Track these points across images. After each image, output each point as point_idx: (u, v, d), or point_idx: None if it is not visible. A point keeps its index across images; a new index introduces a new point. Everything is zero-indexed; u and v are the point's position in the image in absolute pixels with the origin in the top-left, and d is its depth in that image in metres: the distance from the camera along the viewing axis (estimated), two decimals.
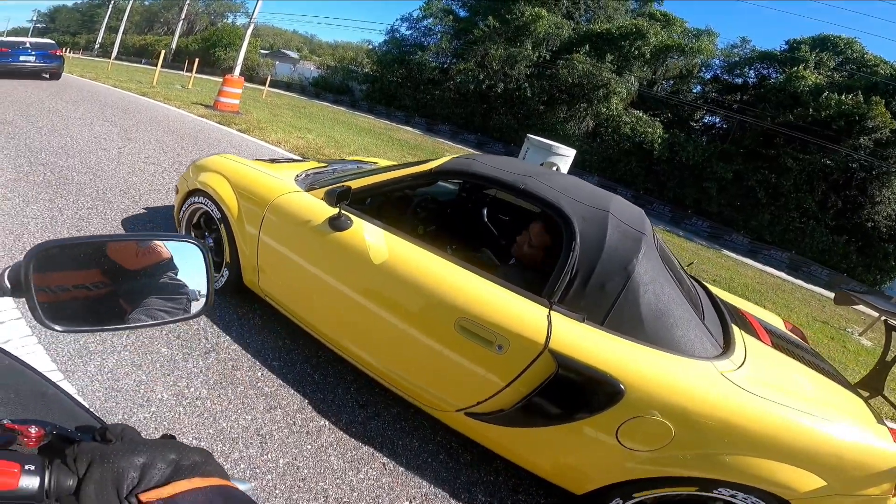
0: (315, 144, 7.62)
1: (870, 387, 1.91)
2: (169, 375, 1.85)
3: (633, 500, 1.51)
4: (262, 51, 31.54)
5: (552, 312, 1.50)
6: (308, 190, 2.09)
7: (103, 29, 34.17)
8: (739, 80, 18.90)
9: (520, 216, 2.65)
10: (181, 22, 29.56)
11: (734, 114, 16.55)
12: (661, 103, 18.03)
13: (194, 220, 2.51)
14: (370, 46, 24.41)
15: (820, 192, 14.51)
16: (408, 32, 22.09)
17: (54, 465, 0.38)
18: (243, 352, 2.07)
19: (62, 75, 11.82)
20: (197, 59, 14.26)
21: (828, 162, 14.14)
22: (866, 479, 1.32)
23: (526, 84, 17.55)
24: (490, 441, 1.69)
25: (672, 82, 18.55)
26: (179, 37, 29.13)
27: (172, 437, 0.46)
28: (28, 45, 11.18)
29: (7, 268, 0.51)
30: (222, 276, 2.33)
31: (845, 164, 14.02)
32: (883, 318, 1.88)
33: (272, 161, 2.76)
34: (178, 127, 6.89)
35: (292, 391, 1.92)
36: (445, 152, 13.33)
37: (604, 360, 1.40)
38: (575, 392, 1.44)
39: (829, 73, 16.09)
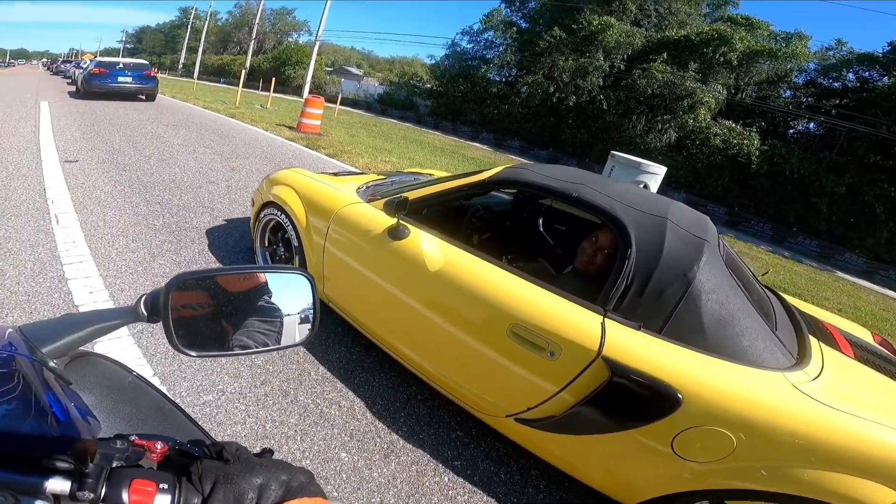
0: (399, 167, 7.38)
1: None
2: (359, 489, 1.63)
3: None
4: (327, 68, 32.69)
5: (606, 320, 1.48)
6: (369, 201, 2.18)
7: (184, 49, 36.86)
8: (837, 85, 17.03)
9: (576, 225, 2.66)
10: (252, 41, 31.20)
11: (842, 121, 14.75)
12: (752, 112, 16.53)
13: (268, 230, 2.64)
14: (431, 61, 24.42)
15: None
16: (469, 46, 21.82)
17: (182, 484, 0.40)
18: (421, 452, 1.82)
19: (157, 96, 12.30)
20: (273, 79, 14.73)
21: None
22: None
23: (601, 96, 16.65)
24: (539, 448, 1.69)
25: (757, 88, 16.99)
26: (251, 56, 30.75)
27: (271, 452, 0.48)
28: (122, 65, 11.48)
29: (143, 295, 0.54)
30: None
31: None
32: None
33: (336, 174, 2.89)
34: (271, 153, 6.84)
35: (484, 497, 1.71)
36: None
37: (660, 367, 1.35)
38: (629, 400, 1.40)
39: None
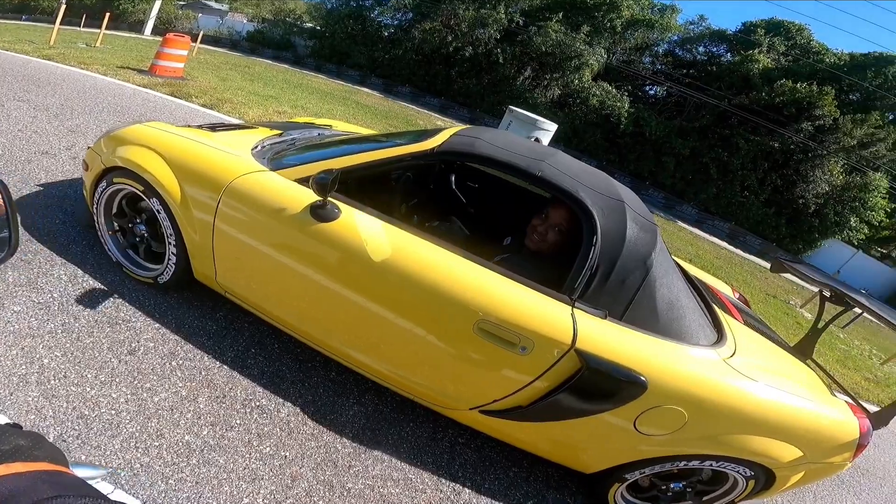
0: (291, 119, 6.46)
1: (801, 352, 2.01)
2: None
3: (639, 475, 1.64)
4: (178, 2, 26.76)
5: (575, 310, 1.48)
6: (275, 169, 1.79)
7: None
8: (689, 56, 19.57)
9: (488, 183, 2.60)
10: None
11: (693, 91, 17.16)
12: (620, 75, 18.18)
13: (115, 203, 2.07)
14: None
15: (762, 170, 15.98)
16: None
17: None
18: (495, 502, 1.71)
19: None
20: (108, 14, 11.58)
21: (775, 145, 15.42)
22: (833, 448, 1.54)
23: (497, 49, 16.66)
24: (499, 433, 1.71)
25: (625, 54, 18.67)
26: None
27: (17, 427, 0.44)
28: None
29: None
30: (168, 269, 1.98)
31: (787, 146, 15.37)
32: (819, 290, 2.09)
33: (212, 128, 2.29)
34: (122, 104, 5.36)
35: None
36: (419, 121, 12.43)
37: (628, 356, 1.42)
38: (599, 388, 1.45)
39: (777, 58, 17.23)
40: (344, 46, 18.67)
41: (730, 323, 1.80)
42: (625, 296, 1.49)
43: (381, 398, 1.95)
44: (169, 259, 1.96)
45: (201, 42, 14.11)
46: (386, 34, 18.76)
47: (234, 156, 1.85)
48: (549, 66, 16.78)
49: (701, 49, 19.58)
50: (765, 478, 1.57)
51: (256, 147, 2.04)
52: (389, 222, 1.63)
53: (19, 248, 2.17)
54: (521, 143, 1.92)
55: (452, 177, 2.56)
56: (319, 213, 1.57)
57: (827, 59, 17.08)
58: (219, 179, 1.74)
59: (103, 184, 2.00)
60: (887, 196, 15.42)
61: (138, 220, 2.05)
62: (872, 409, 4.31)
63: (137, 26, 19.52)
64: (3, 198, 0.58)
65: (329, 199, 1.58)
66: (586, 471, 1.71)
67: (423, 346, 1.57)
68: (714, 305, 1.90)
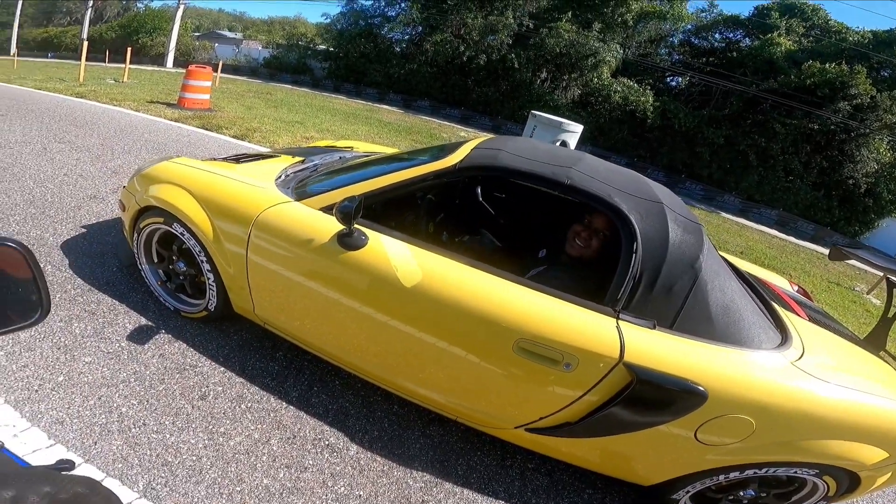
0: (317, 141, 6.37)
1: (872, 344, 1.88)
2: None
3: (700, 486, 1.55)
4: (194, 33, 27.84)
5: (620, 322, 1.42)
6: (299, 199, 1.80)
7: None
8: (706, 44, 19.09)
9: (517, 191, 2.53)
10: (89, 10, 25.18)
11: (717, 79, 16.60)
12: (639, 69, 17.79)
13: (154, 242, 2.12)
14: (326, 20, 21.75)
15: (804, 153, 15.25)
16: (368, 3, 20.09)
17: None
18: None
19: None
20: (129, 49, 11.96)
21: (815, 126, 14.74)
22: None
23: (511, 55, 16.58)
24: (549, 449, 1.66)
25: (640, 47, 18.34)
26: (89, 25, 24.90)
27: (69, 464, 0.45)
28: None
29: None
30: (209, 305, 2.02)
31: (828, 127, 14.67)
32: (885, 275, 1.86)
33: (236, 160, 2.34)
34: (159, 141, 5.37)
35: None
36: (443, 134, 12.32)
37: (682, 366, 1.35)
38: (654, 401, 1.38)
39: (798, 40, 16.66)
40: (359, 65, 18.97)
41: (793, 321, 1.71)
42: (673, 303, 1.42)
43: (445, 428, 1.90)
44: (210, 290, 2.00)
45: (222, 71, 14.53)
46: (398, 50, 18.99)
47: (257, 187, 1.88)
48: (566, 66, 16.59)
49: (717, 36, 19.09)
50: (848, 481, 1.47)
51: (280, 177, 2.07)
52: (417, 245, 1.61)
53: (82, 300, 2.11)
54: (546, 150, 1.88)
55: (478, 189, 2.51)
56: (347, 241, 1.57)
57: (850, 38, 16.36)
58: (247, 213, 1.76)
59: (141, 223, 2.05)
60: None
61: (175, 258, 2.08)
62: None
63: (159, 59, 20.37)
64: (28, 261, 0.60)
65: (356, 226, 1.58)
66: (644, 484, 1.64)
67: (461, 368, 1.54)
68: (774, 304, 1.82)
